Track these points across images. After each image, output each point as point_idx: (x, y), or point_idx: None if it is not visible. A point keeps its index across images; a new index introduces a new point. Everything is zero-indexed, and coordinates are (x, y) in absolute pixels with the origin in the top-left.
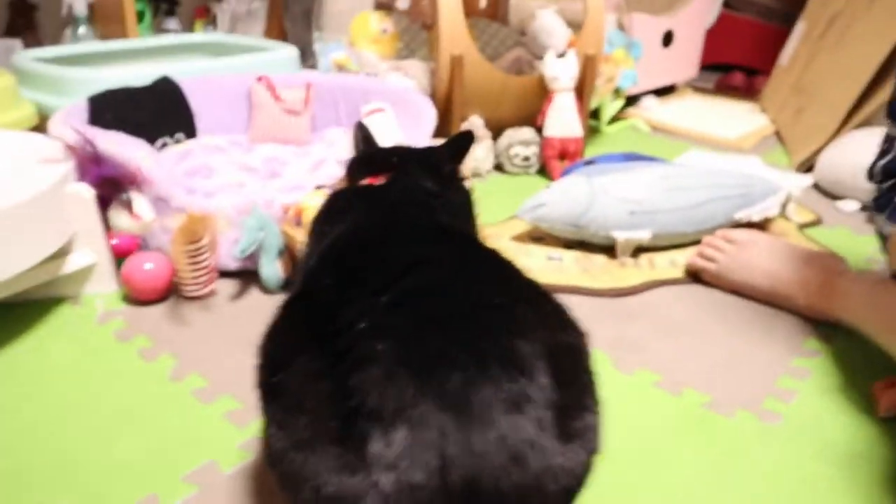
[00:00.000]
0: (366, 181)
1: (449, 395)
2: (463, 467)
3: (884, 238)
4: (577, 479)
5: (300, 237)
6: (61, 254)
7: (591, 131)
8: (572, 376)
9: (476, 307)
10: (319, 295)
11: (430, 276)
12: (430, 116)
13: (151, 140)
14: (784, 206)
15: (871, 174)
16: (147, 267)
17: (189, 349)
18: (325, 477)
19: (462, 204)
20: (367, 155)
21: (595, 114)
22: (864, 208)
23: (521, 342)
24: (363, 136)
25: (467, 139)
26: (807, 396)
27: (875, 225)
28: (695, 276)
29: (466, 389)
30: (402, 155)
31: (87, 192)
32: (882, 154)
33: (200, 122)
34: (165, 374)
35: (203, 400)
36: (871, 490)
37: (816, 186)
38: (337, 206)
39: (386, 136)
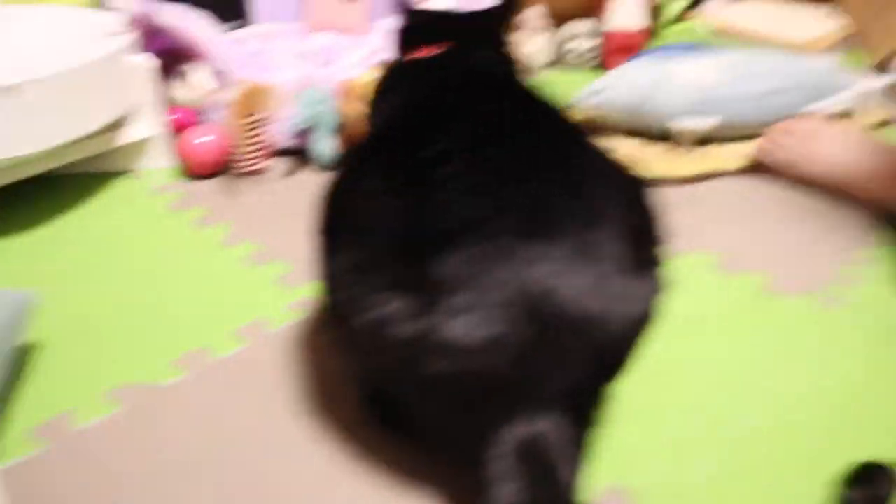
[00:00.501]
0: (419, 52)
1: (524, 220)
2: (534, 293)
3: None
4: (645, 312)
5: (356, 113)
6: (120, 125)
7: (651, 32)
8: (644, 215)
9: (551, 150)
10: (388, 140)
11: (507, 124)
12: None
13: None
14: (858, 102)
15: None
16: (203, 140)
17: (242, 219)
18: (386, 300)
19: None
20: (420, 23)
21: (656, 13)
22: None
23: (596, 182)
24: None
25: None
26: (871, 285)
27: None
28: (759, 166)
29: (543, 218)
30: (456, 22)
31: (148, 63)
32: None
33: (256, 9)
34: (218, 240)
35: (255, 264)
36: None
37: (894, 87)
38: (396, 78)
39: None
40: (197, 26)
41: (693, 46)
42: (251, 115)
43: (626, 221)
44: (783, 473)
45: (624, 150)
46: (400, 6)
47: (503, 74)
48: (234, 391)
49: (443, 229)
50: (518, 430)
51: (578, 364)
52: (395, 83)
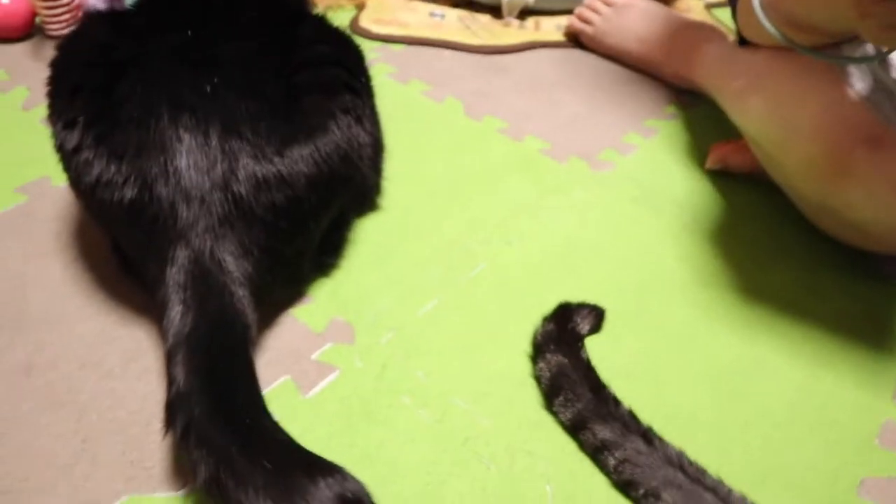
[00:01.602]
0: None
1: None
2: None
3: (734, 5)
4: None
5: None
6: None
7: None
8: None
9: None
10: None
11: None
12: None
13: None
14: None
15: None
16: (4, 2)
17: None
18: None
19: None
20: None
21: None
22: None
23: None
24: None
25: None
26: (646, 152)
27: None
28: (575, 39)
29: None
30: None
31: None
32: None
33: None
34: (19, 104)
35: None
36: (676, 232)
37: None
38: None
39: None
40: None
41: None
42: None
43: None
44: (506, 308)
45: (451, 19)
46: None
47: None
48: (12, 240)
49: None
50: (186, 259)
51: (253, 218)
52: None
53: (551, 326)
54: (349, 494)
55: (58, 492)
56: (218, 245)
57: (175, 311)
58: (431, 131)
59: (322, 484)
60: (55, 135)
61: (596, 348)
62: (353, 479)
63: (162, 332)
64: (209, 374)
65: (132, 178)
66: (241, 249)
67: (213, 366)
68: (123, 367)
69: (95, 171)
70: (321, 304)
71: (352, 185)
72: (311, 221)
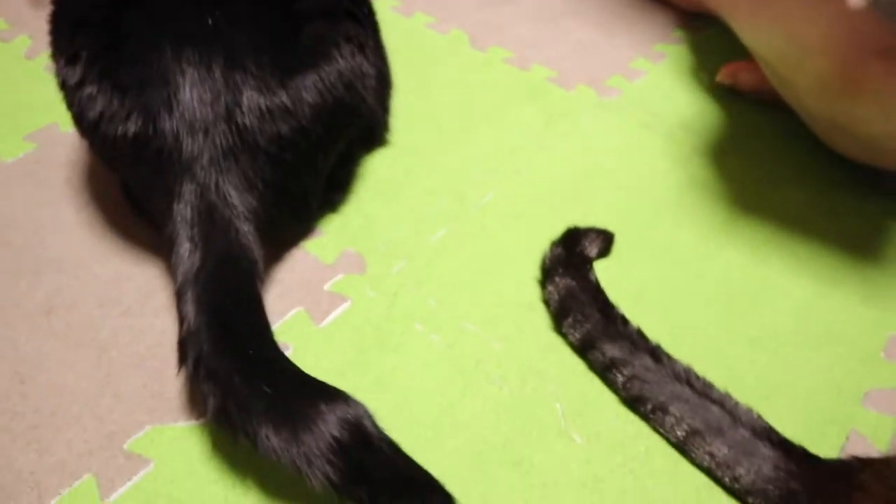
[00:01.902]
0: None
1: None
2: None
3: None
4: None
5: None
6: None
7: None
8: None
9: None
10: None
11: None
12: None
13: None
14: None
15: None
16: None
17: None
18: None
19: None
20: None
21: None
22: None
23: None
24: None
25: None
26: (654, 77)
27: None
28: None
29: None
30: None
31: None
32: None
33: None
34: (21, 53)
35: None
36: (685, 156)
37: None
38: None
39: None
40: None
41: None
42: None
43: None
44: (515, 234)
45: None
46: None
47: None
48: (25, 187)
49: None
50: (191, 194)
51: (256, 150)
52: None
53: (560, 250)
54: (352, 418)
55: (84, 425)
56: (223, 179)
57: (183, 249)
58: (437, 64)
59: (324, 408)
60: (58, 71)
61: (605, 272)
62: (356, 403)
63: (171, 270)
64: (217, 311)
65: (136, 112)
66: (246, 183)
67: (220, 302)
68: (140, 304)
69: (99, 105)
70: (332, 237)
71: (358, 117)
72: (317, 154)
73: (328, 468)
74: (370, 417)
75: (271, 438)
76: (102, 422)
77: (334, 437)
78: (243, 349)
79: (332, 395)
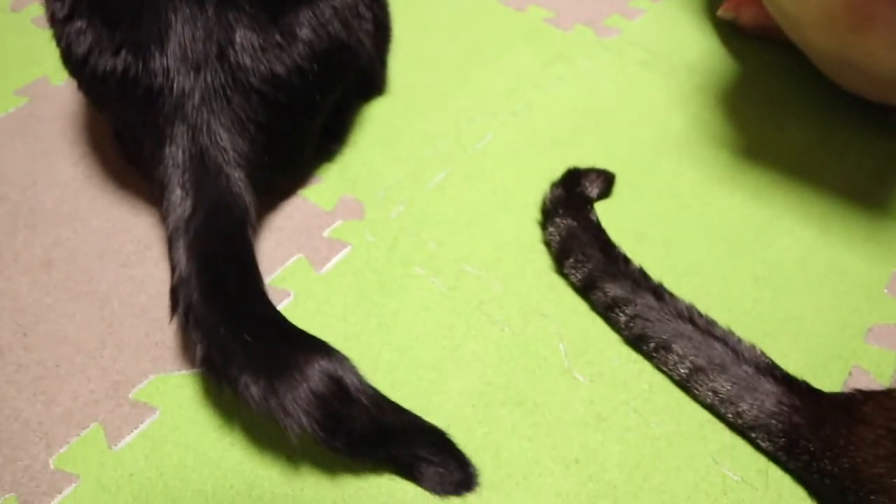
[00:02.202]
0: None
1: None
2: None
3: None
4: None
5: None
6: None
7: None
8: None
9: None
10: None
11: None
12: None
13: None
14: None
15: None
16: None
17: None
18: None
19: None
20: None
21: None
22: None
23: None
24: None
25: None
26: (654, 15)
27: None
28: None
29: None
30: None
31: None
32: None
33: None
34: (6, 6)
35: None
36: (686, 95)
37: None
38: None
39: None
40: None
41: None
42: None
43: None
44: (515, 177)
45: None
46: None
47: None
48: (17, 141)
49: None
50: (182, 137)
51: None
52: None
53: (560, 191)
54: (331, 370)
55: (89, 375)
56: (214, 120)
57: (175, 196)
58: (432, 7)
59: (303, 360)
60: (47, 4)
61: (606, 213)
62: (338, 355)
63: (162, 216)
64: (207, 259)
65: (125, 48)
66: (239, 126)
67: (211, 250)
68: (140, 254)
69: (87, 40)
70: (330, 184)
71: (354, 58)
72: (313, 96)
73: (304, 419)
74: (352, 370)
75: (250, 388)
76: (107, 372)
77: (312, 389)
78: (231, 298)
79: (314, 347)
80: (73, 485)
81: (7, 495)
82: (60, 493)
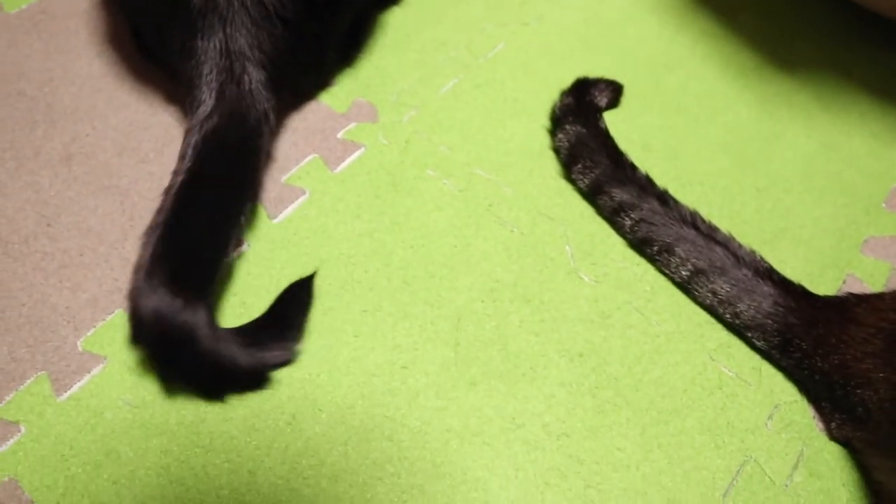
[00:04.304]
0: None
1: None
2: None
3: None
4: None
5: None
6: None
7: None
8: None
9: None
10: None
11: None
12: None
13: None
14: None
15: None
16: None
17: None
18: None
19: None
20: None
21: None
22: None
23: None
24: None
25: None
26: None
27: None
28: None
29: None
30: None
31: None
32: None
33: None
34: None
35: None
36: (697, 8)
37: None
38: None
39: None
40: None
41: None
42: None
43: None
44: (525, 85)
45: None
46: None
47: None
48: (32, 38)
49: None
50: (217, 33)
51: None
52: None
53: (569, 99)
54: (169, 315)
55: (112, 265)
56: (245, 13)
57: (201, 94)
58: None
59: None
60: None
61: (614, 124)
62: (196, 308)
63: (186, 108)
64: (205, 162)
65: None
66: (267, 22)
67: (214, 156)
68: (158, 151)
69: None
70: (343, 87)
71: None
72: None
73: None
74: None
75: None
76: (129, 262)
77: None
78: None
79: (183, 292)
80: (101, 365)
81: (39, 373)
82: (89, 372)
